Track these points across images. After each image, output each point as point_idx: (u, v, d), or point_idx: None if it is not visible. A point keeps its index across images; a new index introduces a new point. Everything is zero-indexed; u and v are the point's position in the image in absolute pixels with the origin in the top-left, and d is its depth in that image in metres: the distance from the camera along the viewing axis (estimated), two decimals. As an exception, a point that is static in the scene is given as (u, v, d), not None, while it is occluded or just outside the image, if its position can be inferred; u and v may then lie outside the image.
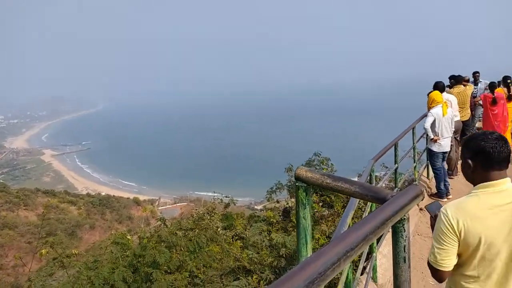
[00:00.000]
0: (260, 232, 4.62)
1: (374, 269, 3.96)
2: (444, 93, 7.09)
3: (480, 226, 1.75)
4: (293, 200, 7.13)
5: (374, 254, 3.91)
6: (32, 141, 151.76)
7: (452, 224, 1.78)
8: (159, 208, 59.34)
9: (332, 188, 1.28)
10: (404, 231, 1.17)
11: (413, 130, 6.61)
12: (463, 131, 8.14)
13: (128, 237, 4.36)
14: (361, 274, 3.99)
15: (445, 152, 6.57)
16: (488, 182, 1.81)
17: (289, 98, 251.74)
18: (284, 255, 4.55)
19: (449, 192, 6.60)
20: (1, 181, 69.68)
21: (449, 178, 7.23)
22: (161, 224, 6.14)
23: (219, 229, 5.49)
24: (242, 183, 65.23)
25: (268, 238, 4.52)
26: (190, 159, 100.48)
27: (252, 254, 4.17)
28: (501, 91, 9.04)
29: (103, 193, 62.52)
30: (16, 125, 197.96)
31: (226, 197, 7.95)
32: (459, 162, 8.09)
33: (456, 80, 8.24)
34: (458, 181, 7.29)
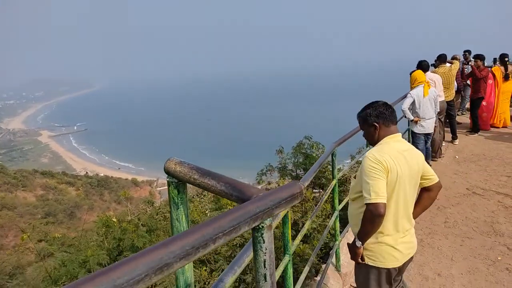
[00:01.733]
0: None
1: (337, 258, 3.78)
2: (428, 73, 6.91)
3: (396, 164, 2.23)
4: (283, 181, 7.20)
5: (337, 242, 3.73)
6: (28, 122, 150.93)
7: (381, 162, 2.21)
8: (158, 188, 59.67)
9: (200, 185, 1.07)
10: (263, 242, 0.88)
11: None
12: (447, 112, 7.93)
13: (114, 219, 4.34)
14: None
15: (428, 134, 6.34)
16: (392, 134, 2.37)
17: (283, 80, 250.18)
18: (239, 244, 4.32)
19: None
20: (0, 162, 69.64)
21: (432, 160, 7.10)
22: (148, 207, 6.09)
23: (207, 212, 5.50)
24: (240, 164, 65.36)
25: None
26: (188, 141, 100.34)
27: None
28: (498, 69, 9.04)
29: (101, 174, 62.66)
30: (12, 106, 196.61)
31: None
32: (443, 144, 7.86)
33: (440, 59, 7.90)
34: (441, 163, 7.19)
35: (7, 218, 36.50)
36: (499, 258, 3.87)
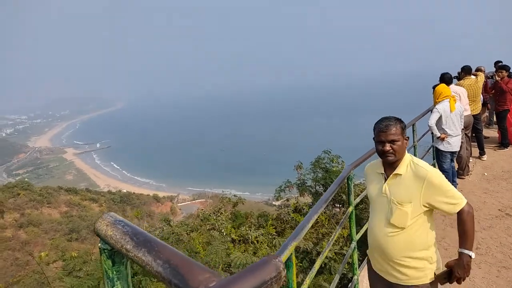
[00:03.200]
0: (217, 251, 3.85)
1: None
2: (452, 85, 6.49)
3: None
4: (302, 198, 7.00)
5: (356, 276, 3.32)
6: (54, 140, 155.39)
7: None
8: (179, 204, 60.04)
9: (133, 260, 0.75)
10: None
11: (413, 127, 5.94)
12: (474, 126, 7.47)
13: None
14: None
15: (454, 152, 5.90)
16: None
17: (305, 95, 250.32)
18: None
19: None
20: (26, 179, 71.54)
21: (459, 178, 6.68)
22: (164, 225, 5.96)
23: (222, 231, 5.32)
24: (260, 180, 65.09)
25: (225, 258, 3.79)
26: (208, 157, 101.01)
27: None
28: None
29: (124, 190, 63.46)
30: (39, 125, 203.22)
31: (234, 195, 7.86)
32: (471, 160, 7.33)
33: (465, 70, 7.47)
34: (468, 181, 6.69)
35: (33, 234, 37.31)
36: (540, 292, 3.43)
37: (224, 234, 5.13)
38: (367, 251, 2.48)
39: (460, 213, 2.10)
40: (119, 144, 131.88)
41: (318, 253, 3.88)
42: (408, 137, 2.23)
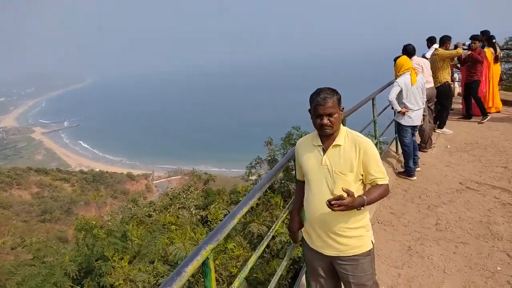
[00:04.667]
0: (155, 243, 3.61)
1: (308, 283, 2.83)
2: (415, 57, 6.41)
3: None
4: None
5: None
6: (21, 119, 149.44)
7: None
8: (154, 182, 59.56)
9: None
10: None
11: (372, 101, 5.72)
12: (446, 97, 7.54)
13: (93, 222, 4.13)
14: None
15: (415, 126, 5.82)
16: None
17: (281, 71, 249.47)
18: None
19: (418, 165, 5.99)
20: (-8, 161, 69.04)
21: (422, 151, 6.67)
22: (132, 205, 5.88)
23: (191, 209, 5.32)
24: (237, 154, 65.27)
25: (163, 250, 3.54)
26: (182, 134, 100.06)
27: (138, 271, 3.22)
28: (488, 51, 8.72)
29: (97, 169, 62.31)
30: (4, 103, 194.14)
31: (205, 173, 7.84)
32: (433, 133, 7.31)
33: (441, 41, 7.51)
34: (430, 155, 6.67)
35: (3, 217, 36.37)
36: (498, 269, 3.44)
37: (193, 213, 5.13)
38: (303, 229, 2.48)
39: (381, 186, 2.19)
40: (88, 122, 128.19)
41: (274, 237, 3.82)
42: (343, 108, 2.25)
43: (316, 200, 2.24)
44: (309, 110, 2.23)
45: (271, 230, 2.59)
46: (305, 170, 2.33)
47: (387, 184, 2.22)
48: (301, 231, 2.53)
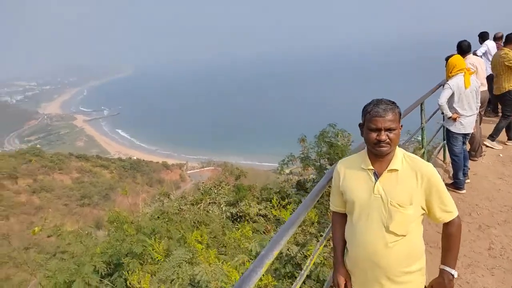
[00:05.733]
0: (179, 263, 3.33)
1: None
2: (470, 56, 5.66)
3: None
4: (307, 172, 6.85)
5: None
6: (64, 107, 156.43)
7: None
8: (188, 172, 60.74)
9: None
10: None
11: (421, 106, 5.08)
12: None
13: (124, 214, 4.17)
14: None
15: (467, 134, 5.14)
16: None
17: (317, 60, 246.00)
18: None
19: (467, 177, 5.33)
20: (37, 146, 72.73)
21: (471, 159, 5.91)
22: (164, 199, 5.92)
23: (222, 205, 5.29)
24: (270, 147, 65.27)
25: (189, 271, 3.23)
26: (216, 125, 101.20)
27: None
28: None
29: (134, 157, 64.22)
30: (49, 91, 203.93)
31: (236, 168, 7.81)
32: (484, 141, 6.53)
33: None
34: (481, 164, 5.88)
35: (46, 199, 38.38)
36: None
37: (223, 210, 5.11)
38: (348, 266, 2.03)
39: (450, 224, 1.85)
40: (129, 111, 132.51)
41: (305, 257, 3.53)
42: (402, 125, 1.89)
43: (370, 238, 1.83)
44: (360, 124, 1.90)
45: (305, 268, 2.24)
46: (350, 199, 1.91)
47: (458, 217, 1.84)
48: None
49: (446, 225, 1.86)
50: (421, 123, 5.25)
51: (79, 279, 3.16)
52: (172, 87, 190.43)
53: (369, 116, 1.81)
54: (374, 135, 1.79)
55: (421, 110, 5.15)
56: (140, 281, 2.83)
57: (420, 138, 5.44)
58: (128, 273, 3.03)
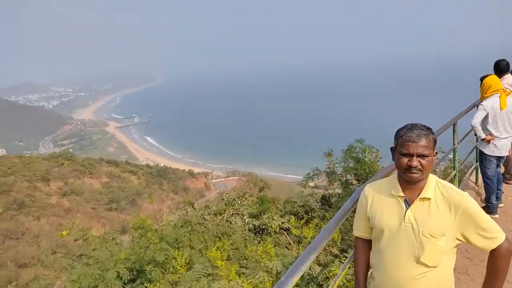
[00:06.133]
0: (199, 277, 3.29)
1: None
2: (508, 76, 5.33)
3: None
4: (332, 187, 6.74)
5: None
6: (97, 113, 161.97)
7: None
8: (213, 180, 61.27)
9: None
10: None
11: (454, 127, 4.80)
12: None
13: (149, 222, 4.22)
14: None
15: (501, 157, 4.91)
16: None
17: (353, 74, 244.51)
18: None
19: (500, 200, 5.08)
20: (70, 150, 75.38)
21: (506, 183, 5.59)
22: (187, 208, 5.96)
23: (245, 217, 5.28)
24: (295, 160, 65.07)
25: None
26: (244, 136, 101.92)
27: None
28: None
29: (161, 165, 65.40)
30: (83, 98, 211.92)
31: (261, 180, 7.77)
32: None
33: None
34: None
35: (75, 202, 39.56)
36: None
37: (246, 221, 5.09)
38: None
39: (495, 250, 1.72)
40: (158, 119, 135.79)
41: (327, 277, 3.39)
42: (436, 152, 1.79)
43: (398, 270, 1.76)
44: (392, 148, 1.83)
45: (340, 271, 2.18)
46: (379, 226, 1.83)
47: (504, 242, 1.70)
48: None
49: (493, 251, 1.73)
50: (453, 144, 5.03)
51: (102, 285, 3.21)
52: (203, 96, 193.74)
53: (402, 141, 1.74)
54: (405, 160, 1.72)
55: (454, 131, 4.93)
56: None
57: (452, 160, 5.19)
58: (150, 282, 3.05)
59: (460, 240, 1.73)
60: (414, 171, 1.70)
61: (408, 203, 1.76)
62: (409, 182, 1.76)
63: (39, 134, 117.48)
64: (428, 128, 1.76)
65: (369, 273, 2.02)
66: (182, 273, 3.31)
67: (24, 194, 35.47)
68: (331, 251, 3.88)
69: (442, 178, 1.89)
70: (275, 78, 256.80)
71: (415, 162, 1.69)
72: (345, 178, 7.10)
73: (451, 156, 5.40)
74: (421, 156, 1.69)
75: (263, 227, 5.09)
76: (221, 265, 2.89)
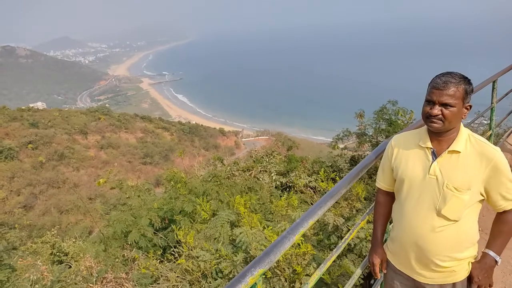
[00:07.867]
0: (222, 224, 3.39)
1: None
2: None
3: None
4: (362, 149, 6.66)
5: None
6: (132, 70, 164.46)
7: None
8: (243, 139, 61.93)
9: None
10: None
11: (493, 84, 4.47)
12: None
13: (182, 175, 4.38)
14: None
15: None
16: None
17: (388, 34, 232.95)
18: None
19: None
20: (106, 105, 77.67)
21: None
22: (216, 164, 6.10)
23: (272, 174, 5.37)
24: (327, 122, 64.22)
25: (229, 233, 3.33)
26: (275, 95, 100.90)
27: (202, 256, 2.97)
28: None
29: (193, 122, 66.39)
30: (118, 54, 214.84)
31: (289, 139, 7.78)
32: None
33: None
34: None
35: (112, 155, 41.29)
36: None
37: (273, 178, 5.20)
38: (391, 246, 1.91)
39: (509, 212, 1.66)
40: (191, 77, 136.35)
41: (349, 230, 3.41)
42: (470, 106, 1.63)
43: (417, 220, 1.71)
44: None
45: (344, 240, 2.11)
46: (401, 178, 1.76)
47: None
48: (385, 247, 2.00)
49: (505, 212, 1.68)
50: (491, 103, 4.72)
51: (135, 230, 3.44)
52: (235, 55, 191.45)
53: (429, 87, 1.63)
54: (427, 108, 1.61)
55: (493, 88, 4.59)
56: (186, 236, 3.01)
57: (489, 119, 4.88)
58: (178, 229, 3.25)
59: (483, 196, 1.66)
60: (434, 120, 1.60)
61: (436, 155, 1.68)
62: (438, 133, 1.67)
63: (77, 89, 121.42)
64: (462, 77, 1.61)
65: (390, 226, 2.01)
66: (209, 221, 3.50)
67: (64, 146, 37.29)
68: (354, 206, 3.91)
69: None
70: (315, 37, 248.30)
71: (435, 110, 1.59)
72: (376, 140, 6.96)
73: (487, 122, 5.13)
74: (444, 105, 1.58)
75: (290, 184, 5.18)
76: (244, 212, 3.01)
